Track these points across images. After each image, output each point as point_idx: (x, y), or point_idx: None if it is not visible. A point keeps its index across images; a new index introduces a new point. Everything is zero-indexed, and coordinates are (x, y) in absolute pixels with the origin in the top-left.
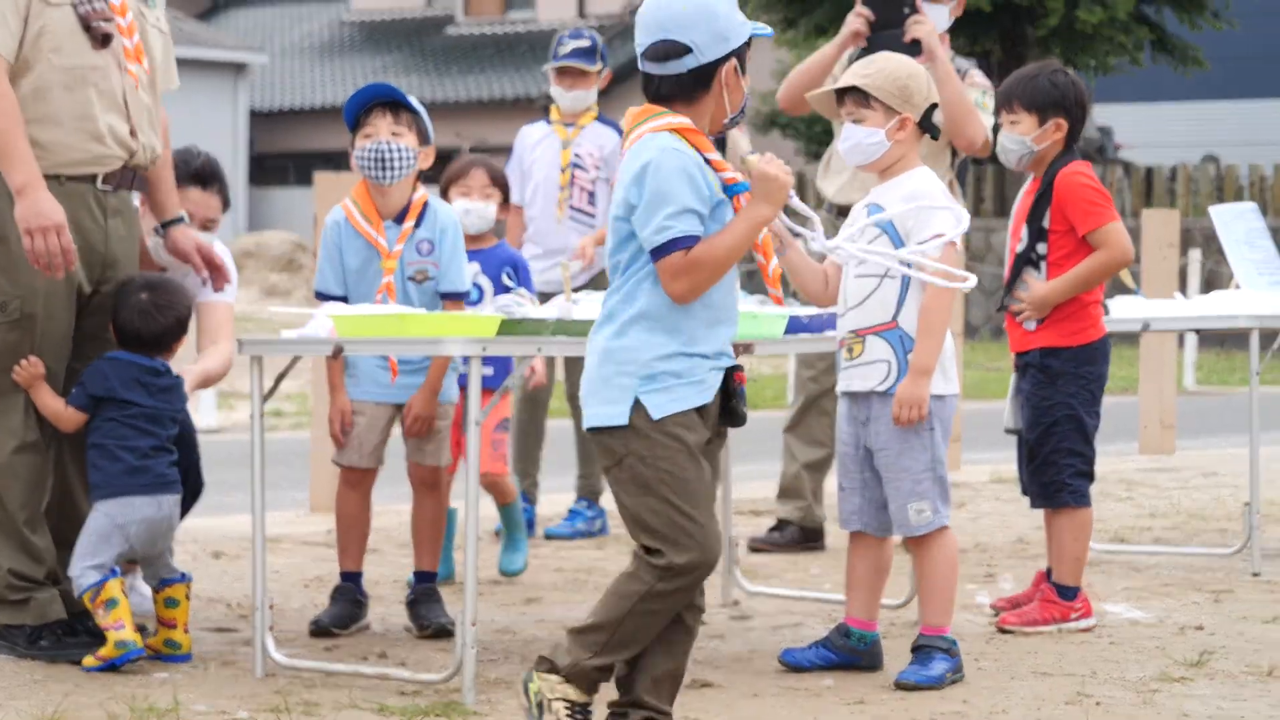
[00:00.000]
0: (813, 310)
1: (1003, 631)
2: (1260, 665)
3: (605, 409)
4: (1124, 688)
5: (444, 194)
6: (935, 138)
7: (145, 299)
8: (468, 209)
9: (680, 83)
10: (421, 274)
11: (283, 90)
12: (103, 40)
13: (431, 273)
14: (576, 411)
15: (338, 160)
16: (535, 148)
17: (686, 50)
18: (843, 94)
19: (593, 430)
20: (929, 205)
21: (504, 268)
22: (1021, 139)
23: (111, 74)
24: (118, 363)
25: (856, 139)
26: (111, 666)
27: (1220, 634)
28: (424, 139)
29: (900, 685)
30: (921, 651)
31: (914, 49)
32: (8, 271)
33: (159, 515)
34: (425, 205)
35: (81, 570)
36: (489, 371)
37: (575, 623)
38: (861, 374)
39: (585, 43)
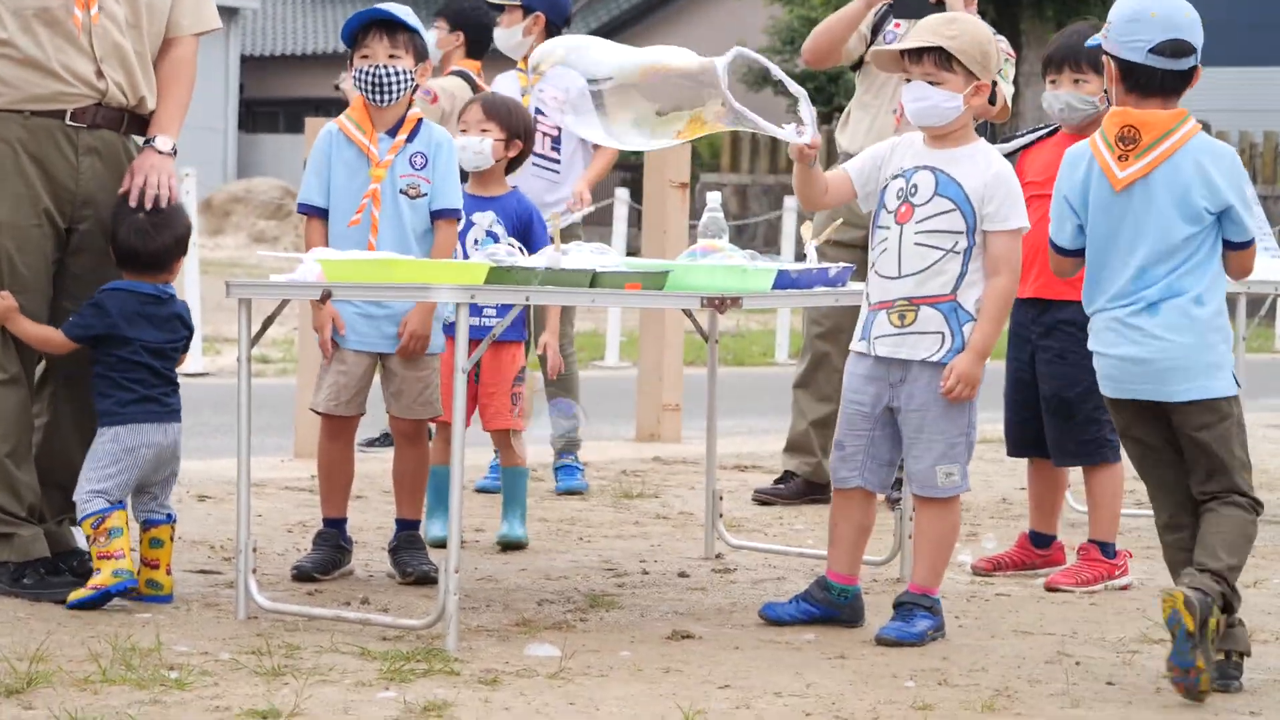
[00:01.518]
0: (801, 266)
1: (1051, 591)
2: None
3: (1217, 382)
4: (1104, 648)
5: None
6: (993, 104)
7: (143, 218)
8: (464, 145)
9: (1180, 78)
10: (414, 189)
11: (274, 36)
12: None
13: (424, 189)
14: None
15: (328, 107)
16: None
17: (1193, 50)
18: (918, 52)
19: (1198, 401)
20: (1014, 192)
21: (518, 218)
22: (1090, 99)
23: (69, 15)
24: (120, 295)
25: (934, 100)
26: (105, 595)
27: None
28: (420, 56)
29: (881, 641)
30: (904, 608)
31: (939, 10)
32: None
33: (166, 441)
34: (419, 121)
35: (88, 496)
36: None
37: (1215, 568)
38: (911, 342)
39: None
